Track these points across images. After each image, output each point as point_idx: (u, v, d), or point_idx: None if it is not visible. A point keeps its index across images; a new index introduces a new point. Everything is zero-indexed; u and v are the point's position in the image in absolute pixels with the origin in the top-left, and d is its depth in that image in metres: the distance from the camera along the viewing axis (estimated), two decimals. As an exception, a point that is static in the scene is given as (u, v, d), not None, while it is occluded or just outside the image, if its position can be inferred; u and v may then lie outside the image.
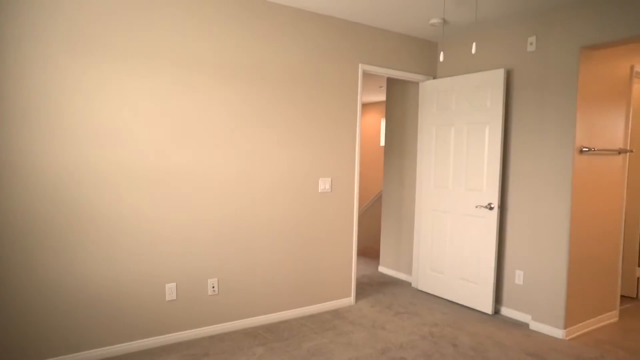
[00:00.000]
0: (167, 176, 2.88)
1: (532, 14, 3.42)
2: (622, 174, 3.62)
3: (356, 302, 3.90)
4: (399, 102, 4.73)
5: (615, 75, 3.47)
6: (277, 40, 3.27)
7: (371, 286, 4.40)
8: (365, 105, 8.51)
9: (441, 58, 2.23)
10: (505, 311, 3.70)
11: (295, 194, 3.44)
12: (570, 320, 3.27)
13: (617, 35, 2.91)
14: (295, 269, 3.48)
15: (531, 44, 3.48)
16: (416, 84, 4.46)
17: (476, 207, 3.74)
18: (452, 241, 3.97)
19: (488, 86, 3.66)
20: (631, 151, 3.75)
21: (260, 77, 3.21)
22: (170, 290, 2.93)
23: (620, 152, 3.54)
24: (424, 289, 4.25)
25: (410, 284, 4.51)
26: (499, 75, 3.59)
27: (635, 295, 4.25)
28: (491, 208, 3.64)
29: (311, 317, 3.49)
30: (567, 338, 3.23)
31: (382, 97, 7.69)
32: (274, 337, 3.10)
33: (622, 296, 4.27)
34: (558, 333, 3.24)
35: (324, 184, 3.58)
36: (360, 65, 3.71)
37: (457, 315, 3.64)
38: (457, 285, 3.93)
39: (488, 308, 3.68)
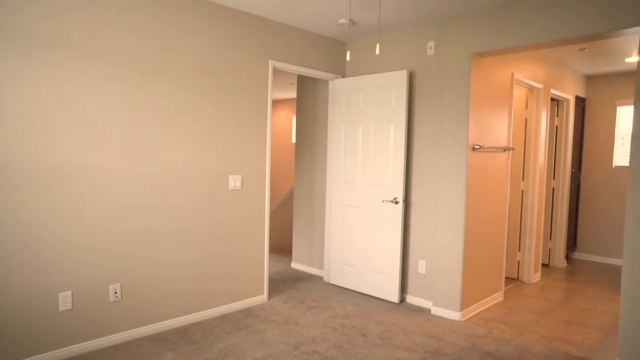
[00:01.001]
0: (62, 175, 2.61)
1: (431, 21, 3.67)
2: (506, 169, 4.04)
3: (269, 299, 3.90)
4: (309, 100, 4.80)
5: (500, 81, 3.86)
6: (186, 34, 3.13)
7: (284, 282, 4.43)
8: (276, 102, 8.50)
9: (348, 57, 2.31)
10: (410, 299, 3.95)
11: (204, 192, 3.33)
12: (465, 303, 3.58)
13: (499, 45, 3.24)
14: (206, 269, 3.38)
15: (430, 48, 3.74)
16: (326, 82, 4.56)
17: (383, 201, 3.94)
18: (361, 235, 4.13)
19: (393, 86, 3.87)
20: (513, 149, 4.21)
21: (167, 70, 3.05)
22: (65, 300, 2.67)
23: (505, 149, 3.95)
24: (335, 283, 4.38)
25: (322, 278, 4.62)
26: (402, 76, 3.80)
27: (516, 277, 4.79)
28: (396, 202, 3.85)
29: (223, 318, 3.42)
30: (463, 319, 3.55)
31: (293, 94, 7.74)
32: (184, 341, 2.99)
33: (506, 278, 4.79)
34: (455, 315, 3.54)
35: (234, 181, 3.51)
36: (270, 61, 3.70)
37: (366, 306, 3.81)
38: (367, 278, 4.10)
39: (395, 297, 3.90)
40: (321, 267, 4.71)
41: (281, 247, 6.20)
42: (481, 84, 3.58)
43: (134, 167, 2.95)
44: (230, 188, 3.49)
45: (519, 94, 4.72)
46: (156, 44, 3.00)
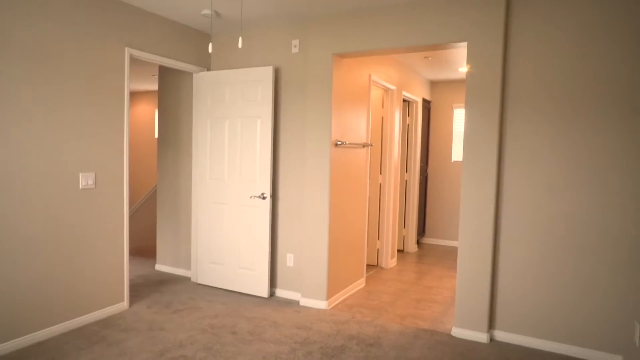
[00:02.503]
0: None
1: (295, 20, 3.77)
2: (365, 164, 4.37)
3: (130, 306, 3.61)
4: (173, 93, 4.55)
5: (359, 81, 4.14)
6: (27, 15, 2.69)
7: (148, 286, 4.14)
8: (137, 94, 7.87)
9: (210, 49, 2.25)
10: (280, 292, 4.02)
11: (50, 192, 2.93)
12: (330, 292, 3.79)
13: (357, 48, 3.48)
14: (53, 279, 2.98)
15: (295, 46, 3.84)
16: (190, 74, 4.36)
17: (251, 197, 3.94)
18: (230, 232, 4.07)
19: (259, 82, 3.87)
20: (372, 145, 4.57)
21: (4, 54, 2.59)
22: None
23: (364, 145, 4.26)
24: (204, 283, 4.24)
25: (190, 279, 4.44)
26: (268, 72, 3.83)
27: (376, 263, 5.22)
28: (264, 198, 3.88)
29: (77, 332, 3.06)
30: (329, 308, 3.74)
31: (156, 86, 7.25)
32: (24, 365, 2.60)
33: (367, 265, 5.19)
34: (322, 305, 3.72)
35: (86, 180, 3.16)
36: (127, 49, 3.40)
37: (236, 304, 3.77)
38: (236, 275, 4.06)
39: (264, 292, 3.94)
40: (188, 267, 4.52)
41: (144, 249, 5.79)
42: (342, 84, 3.80)
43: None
44: (81, 187, 3.13)
45: (375, 94, 5.13)
46: (-22, 19, 2.53)
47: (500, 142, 3.05)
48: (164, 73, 4.63)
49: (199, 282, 4.27)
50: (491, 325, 3.14)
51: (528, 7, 2.96)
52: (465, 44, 3.12)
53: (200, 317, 3.42)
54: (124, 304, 3.52)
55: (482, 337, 3.09)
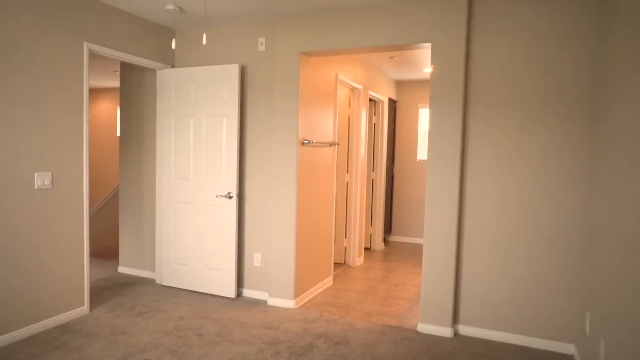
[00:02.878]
0: None
1: (261, 18, 3.73)
2: (332, 163, 4.39)
3: (91, 310, 3.48)
4: (135, 90, 4.42)
5: (326, 80, 4.15)
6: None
7: (110, 289, 4.01)
8: (98, 91, 7.60)
9: (173, 45, 2.20)
10: (247, 292, 3.99)
11: (2, 193, 2.78)
12: (298, 291, 3.78)
13: (324, 46, 3.49)
14: (8, 284, 2.84)
15: (262, 44, 3.80)
16: (153, 71, 4.25)
17: (217, 196, 3.88)
18: (196, 232, 4.00)
19: (225, 80, 3.82)
20: (339, 144, 4.59)
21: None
22: None
23: (331, 144, 4.28)
24: (169, 284, 4.15)
25: (154, 281, 4.33)
26: (234, 70, 3.78)
27: (344, 261, 5.26)
28: (230, 197, 3.84)
29: (31, 339, 2.93)
30: (297, 307, 3.74)
31: (118, 83, 7.03)
32: (-26, 375, 2.47)
33: (335, 263, 5.22)
34: (290, 304, 3.71)
35: (42, 180, 3.02)
36: (85, 43, 3.27)
37: (202, 305, 3.71)
38: (203, 275, 3.99)
39: (232, 292, 3.89)
40: (153, 269, 4.40)
41: (106, 250, 5.60)
42: (309, 82, 3.80)
43: None
44: (36, 187, 2.99)
45: (342, 93, 5.16)
46: None
47: (463, 141, 3.13)
48: (126, 69, 4.49)
49: (164, 283, 4.17)
50: (455, 320, 3.22)
51: (489, 10, 3.05)
52: (429, 44, 3.19)
53: (165, 320, 3.34)
54: (84, 309, 3.39)
55: (446, 331, 3.16)
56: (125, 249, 4.61)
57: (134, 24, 3.72)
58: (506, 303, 3.07)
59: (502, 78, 3.03)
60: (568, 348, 2.94)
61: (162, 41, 4.01)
